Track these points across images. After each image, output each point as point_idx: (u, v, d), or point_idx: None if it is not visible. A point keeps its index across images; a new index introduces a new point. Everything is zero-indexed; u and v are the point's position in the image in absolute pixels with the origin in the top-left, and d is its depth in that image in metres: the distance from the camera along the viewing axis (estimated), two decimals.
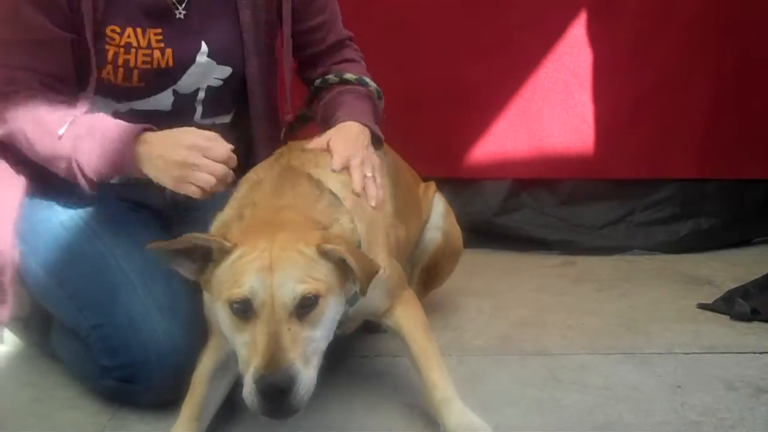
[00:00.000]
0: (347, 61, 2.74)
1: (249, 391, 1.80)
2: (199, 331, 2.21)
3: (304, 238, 1.95)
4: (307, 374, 1.83)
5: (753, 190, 3.92)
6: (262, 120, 2.61)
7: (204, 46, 2.47)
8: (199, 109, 2.54)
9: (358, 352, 2.67)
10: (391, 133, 3.67)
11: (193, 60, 2.46)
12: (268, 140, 2.59)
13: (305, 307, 1.87)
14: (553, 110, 3.87)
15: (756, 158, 3.89)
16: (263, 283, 1.85)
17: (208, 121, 2.55)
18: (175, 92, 2.48)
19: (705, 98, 3.84)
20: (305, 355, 1.85)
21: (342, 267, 1.96)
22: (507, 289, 3.33)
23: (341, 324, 2.08)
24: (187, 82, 2.48)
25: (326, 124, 2.51)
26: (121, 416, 2.30)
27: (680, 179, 3.89)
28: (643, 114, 3.86)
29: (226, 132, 2.43)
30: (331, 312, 1.94)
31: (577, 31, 3.83)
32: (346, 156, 2.31)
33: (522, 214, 3.95)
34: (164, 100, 2.48)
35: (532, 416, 2.25)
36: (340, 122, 2.45)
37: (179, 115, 2.48)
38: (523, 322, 2.95)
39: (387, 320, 2.30)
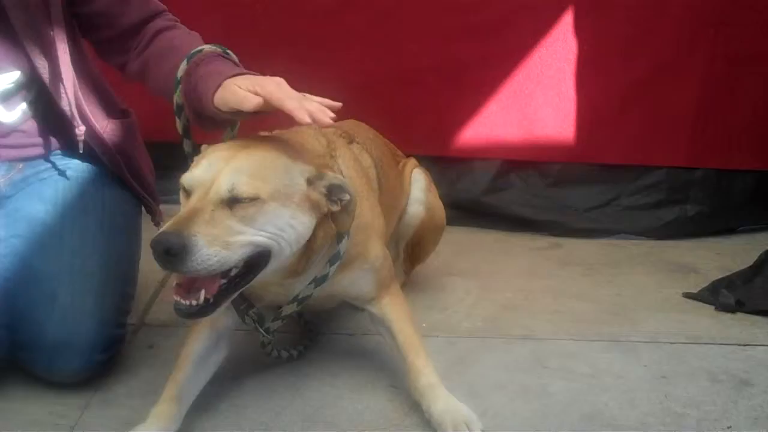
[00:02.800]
0: (157, 33, 2.36)
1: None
2: None
3: (290, 155, 1.99)
4: (210, 251, 1.80)
5: (740, 179, 3.93)
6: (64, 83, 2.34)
7: None
8: (0, 107, 2.36)
9: (344, 330, 2.67)
10: (382, 110, 3.69)
11: None
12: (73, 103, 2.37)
13: (238, 201, 1.87)
14: (545, 94, 3.86)
15: (744, 149, 3.89)
16: (211, 169, 1.89)
17: (9, 113, 2.37)
18: None
19: (696, 88, 3.83)
20: (219, 238, 1.83)
21: (322, 194, 2.00)
22: (494, 271, 3.33)
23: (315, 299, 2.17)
24: None
25: (200, 102, 2.09)
26: (106, 389, 2.30)
27: (668, 166, 3.91)
28: (634, 101, 3.85)
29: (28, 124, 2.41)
30: (275, 219, 1.91)
31: (572, 18, 3.80)
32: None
33: (510, 194, 3.95)
34: None
35: (519, 402, 2.27)
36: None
37: None
38: (510, 305, 2.96)
39: (373, 308, 2.33)
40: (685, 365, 2.50)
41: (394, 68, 3.85)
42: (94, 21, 2.42)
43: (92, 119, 2.44)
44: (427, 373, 2.18)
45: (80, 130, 2.38)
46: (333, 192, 2.01)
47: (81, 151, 2.42)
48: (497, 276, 3.26)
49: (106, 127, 2.51)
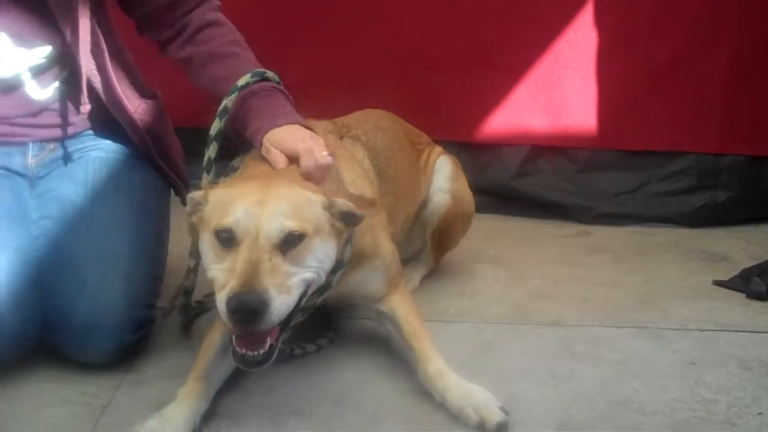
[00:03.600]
0: (205, 27, 2.48)
1: (222, 309, 1.84)
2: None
3: (301, 184, 2.05)
4: (281, 301, 1.86)
5: None
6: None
7: (2, 35, 2.32)
8: (33, 83, 2.39)
9: (370, 315, 2.66)
10: (409, 96, 3.69)
11: None
12: (105, 83, 2.43)
13: (289, 243, 1.92)
14: (572, 79, 3.85)
15: None
16: (251, 214, 1.91)
17: (42, 90, 2.40)
18: None
19: (723, 72, 3.79)
20: (282, 284, 1.88)
21: (336, 219, 2.04)
22: (523, 257, 3.32)
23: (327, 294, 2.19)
24: (2, 69, 2.34)
25: (244, 134, 2.32)
26: (137, 370, 2.32)
27: (697, 152, 3.88)
28: (662, 86, 3.83)
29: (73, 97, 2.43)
30: (317, 253, 1.99)
31: (599, 2, 3.79)
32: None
33: (538, 179, 3.95)
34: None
35: (546, 388, 2.26)
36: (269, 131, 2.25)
37: (10, 92, 2.38)
38: (538, 292, 2.95)
39: (382, 306, 2.36)
40: (715, 352, 2.49)
41: (420, 53, 3.85)
42: None
43: (123, 99, 2.46)
44: (435, 360, 2.18)
45: (85, 108, 2.41)
46: (345, 217, 2.06)
47: (91, 129, 2.50)
48: (526, 263, 3.26)
49: (138, 107, 2.54)
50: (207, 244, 1.99)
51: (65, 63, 2.41)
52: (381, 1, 3.83)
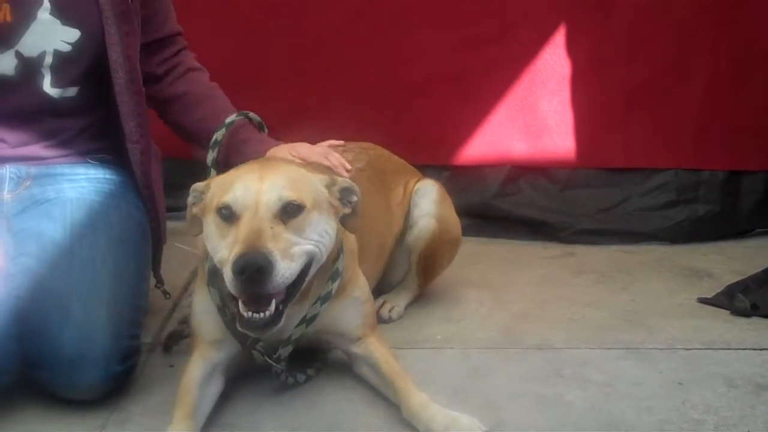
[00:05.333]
0: (192, 70, 2.75)
1: (229, 278, 1.92)
2: None
3: (299, 165, 2.22)
4: (285, 265, 1.95)
5: (750, 180, 3.92)
6: (127, 93, 2.48)
7: (46, 2, 2.37)
8: (48, 77, 2.43)
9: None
10: (390, 121, 3.71)
11: (34, 16, 2.36)
12: (135, 116, 2.51)
13: (289, 213, 2.03)
14: (550, 101, 3.88)
15: (752, 150, 3.89)
16: (250, 189, 2.02)
17: (56, 91, 2.45)
18: (18, 54, 2.37)
19: (701, 89, 3.84)
20: (285, 251, 1.97)
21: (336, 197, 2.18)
22: (507, 281, 3.33)
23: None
24: (29, 42, 2.37)
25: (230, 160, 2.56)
26: (123, 408, 2.30)
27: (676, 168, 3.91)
28: (639, 104, 3.87)
29: (76, 105, 2.49)
30: (317, 227, 2.08)
31: (574, 22, 3.83)
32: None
33: (519, 198, 3.97)
34: (6, 63, 2.37)
35: (535, 413, 2.25)
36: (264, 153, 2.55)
37: (25, 82, 2.41)
38: (524, 315, 2.95)
39: (358, 348, 2.37)
40: (702, 371, 2.49)
41: (399, 80, 3.89)
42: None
43: (142, 104, 2.54)
44: (416, 394, 2.18)
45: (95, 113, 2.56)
46: (344, 195, 2.18)
47: (132, 155, 2.54)
48: (510, 286, 3.26)
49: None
50: (210, 227, 2.07)
51: (89, 55, 2.45)
52: (360, 32, 3.85)
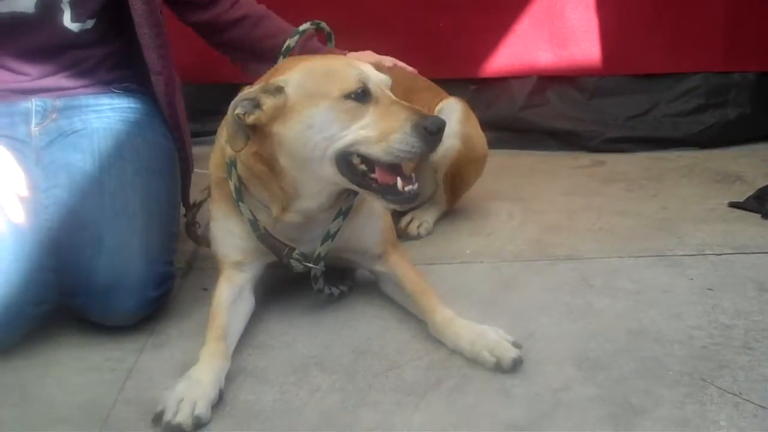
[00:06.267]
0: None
1: (402, 139, 2.02)
2: None
3: None
4: None
5: None
6: (146, 25, 2.48)
7: None
8: (68, 12, 2.42)
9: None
10: (411, 37, 3.67)
11: None
12: (156, 47, 2.52)
13: None
14: (575, 7, 3.83)
15: None
16: (365, 70, 2.10)
17: (76, 25, 2.45)
18: None
19: None
20: None
21: None
22: (537, 192, 3.32)
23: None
24: None
25: None
26: (159, 332, 2.35)
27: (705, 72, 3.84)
28: (666, 8, 3.81)
29: (96, 37, 2.49)
30: None
31: None
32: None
33: (547, 109, 3.95)
34: (26, 1, 2.37)
35: (565, 323, 2.27)
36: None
37: (45, 18, 2.41)
38: (554, 226, 2.95)
39: (380, 266, 2.40)
40: (732, 276, 2.49)
41: None
42: None
43: (163, 35, 2.54)
44: (440, 310, 2.20)
45: (114, 46, 2.57)
46: None
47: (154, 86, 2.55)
48: (540, 197, 3.26)
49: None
50: (329, 114, 2.05)
51: None
52: None
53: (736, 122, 3.82)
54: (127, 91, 2.60)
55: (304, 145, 2.07)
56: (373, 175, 2.09)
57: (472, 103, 3.05)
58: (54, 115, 2.49)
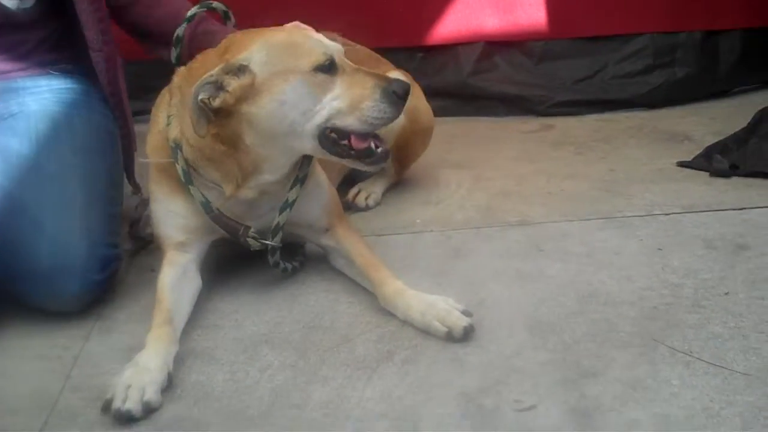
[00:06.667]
0: None
1: (378, 109, 2.07)
2: None
3: None
4: None
5: (727, 38, 3.87)
6: (85, 1, 2.42)
7: None
8: None
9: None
10: (355, 6, 3.62)
11: None
12: (96, 22, 2.46)
13: None
14: None
15: (726, 9, 3.83)
16: (325, 41, 2.11)
17: (13, 2, 2.37)
18: None
19: None
20: None
21: None
22: (486, 158, 3.31)
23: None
24: None
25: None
26: (106, 317, 2.30)
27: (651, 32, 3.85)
28: None
29: (34, 16, 2.42)
30: None
31: None
32: None
33: (495, 74, 3.92)
34: None
35: (516, 288, 2.27)
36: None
37: None
38: (503, 192, 2.94)
39: (328, 240, 2.39)
40: (681, 235, 2.50)
41: None
42: None
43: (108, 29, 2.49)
44: (390, 282, 2.19)
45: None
46: None
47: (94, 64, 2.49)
48: (489, 164, 3.24)
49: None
50: (302, 89, 2.05)
51: None
52: None
53: (683, 82, 3.83)
54: (65, 72, 2.54)
55: (280, 121, 2.06)
56: (344, 143, 2.12)
57: (420, 71, 3.04)
58: None
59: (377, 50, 2.97)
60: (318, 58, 2.05)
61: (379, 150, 2.15)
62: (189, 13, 2.46)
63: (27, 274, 2.23)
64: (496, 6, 3.81)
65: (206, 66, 2.10)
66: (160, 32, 2.58)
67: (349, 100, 2.07)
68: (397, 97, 2.07)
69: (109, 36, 2.50)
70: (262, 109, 2.04)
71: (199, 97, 2.02)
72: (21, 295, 2.28)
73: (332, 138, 2.11)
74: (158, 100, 2.35)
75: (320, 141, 2.10)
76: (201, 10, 2.48)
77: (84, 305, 2.29)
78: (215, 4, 2.51)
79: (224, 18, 2.55)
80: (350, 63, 2.13)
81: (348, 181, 2.92)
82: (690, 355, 1.90)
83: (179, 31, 2.46)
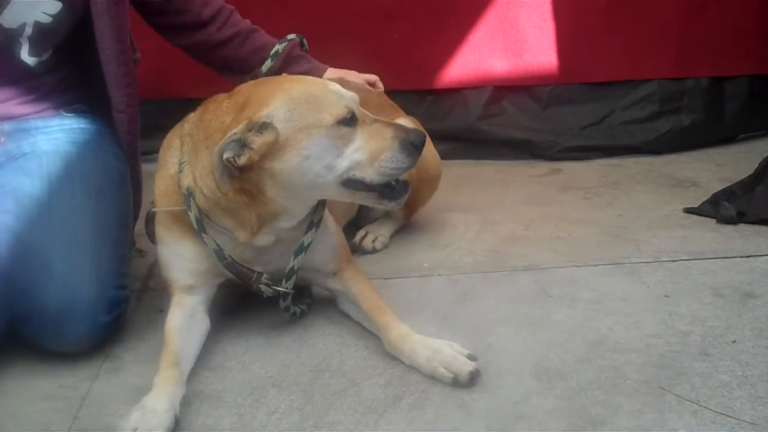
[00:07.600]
0: (231, 11, 2.82)
1: (392, 158, 2.11)
2: None
3: None
4: None
5: (733, 85, 3.90)
6: (115, 63, 2.45)
7: None
8: (26, 46, 2.39)
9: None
10: (366, 48, 3.65)
11: None
12: (123, 86, 2.49)
13: None
14: (529, 17, 3.84)
15: (732, 55, 3.86)
16: (343, 93, 2.13)
17: (33, 59, 2.42)
18: None
19: None
20: None
21: None
22: (494, 202, 3.32)
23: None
24: (10, 15, 2.31)
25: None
26: (115, 357, 2.30)
27: (659, 78, 3.87)
28: (620, 15, 3.85)
29: (52, 66, 2.46)
30: None
31: None
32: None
33: (503, 119, 3.95)
34: None
35: (524, 334, 2.27)
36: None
37: (3, 51, 2.37)
38: (511, 237, 2.95)
39: (336, 284, 2.39)
40: (688, 282, 2.50)
41: (373, 4, 3.81)
42: None
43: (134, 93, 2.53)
44: (395, 327, 2.19)
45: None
46: None
47: (116, 110, 2.52)
48: (497, 207, 3.26)
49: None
50: (325, 143, 2.07)
51: (68, 26, 2.41)
52: None
53: (690, 128, 3.86)
54: (78, 112, 2.56)
55: (303, 175, 2.07)
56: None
57: (429, 114, 3.07)
58: (2, 139, 2.44)
59: (388, 93, 3.00)
60: (340, 111, 2.07)
61: (398, 188, 2.21)
62: (290, 36, 2.80)
63: (35, 315, 2.23)
64: (505, 50, 3.85)
65: (219, 116, 2.13)
66: (248, 64, 2.79)
67: (369, 152, 2.09)
68: (414, 147, 2.12)
69: (134, 98, 2.53)
70: (287, 164, 2.05)
71: (224, 156, 2.02)
72: (30, 336, 2.28)
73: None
74: (166, 143, 2.35)
75: (347, 188, 2.13)
76: (297, 38, 2.84)
77: (91, 346, 2.28)
78: (305, 40, 2.87)
79: (300, 45, 2.87)
80: (367, 113, 2.14)
81: (354, 224, 2.93)
82: (697, 404, 1.89)
83: (279, 47, 2.76)
